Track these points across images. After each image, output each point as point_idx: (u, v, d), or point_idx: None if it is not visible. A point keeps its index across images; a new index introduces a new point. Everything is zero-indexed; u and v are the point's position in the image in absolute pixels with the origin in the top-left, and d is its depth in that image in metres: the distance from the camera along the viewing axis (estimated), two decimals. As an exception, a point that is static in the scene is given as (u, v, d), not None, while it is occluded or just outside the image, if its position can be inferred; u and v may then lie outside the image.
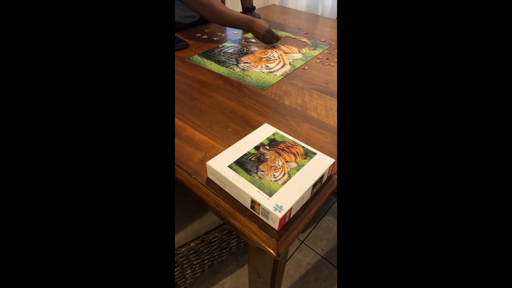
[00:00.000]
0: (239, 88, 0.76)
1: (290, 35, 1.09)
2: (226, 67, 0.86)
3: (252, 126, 0.63)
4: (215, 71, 0.84)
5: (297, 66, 0.88)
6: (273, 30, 0.98)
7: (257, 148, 0.51)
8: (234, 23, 0.97)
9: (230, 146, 0.52)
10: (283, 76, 0.83)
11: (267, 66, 0.87)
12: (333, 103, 0.72)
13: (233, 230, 0.50)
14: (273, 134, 0.54)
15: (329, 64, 0.90)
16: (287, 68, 0.87)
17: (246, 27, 0.97)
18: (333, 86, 0.79)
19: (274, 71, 0.85)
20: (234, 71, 0.84)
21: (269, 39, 0.97)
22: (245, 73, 0.83)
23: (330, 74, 0.85)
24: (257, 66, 0.87)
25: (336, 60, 0.93)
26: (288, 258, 1.03)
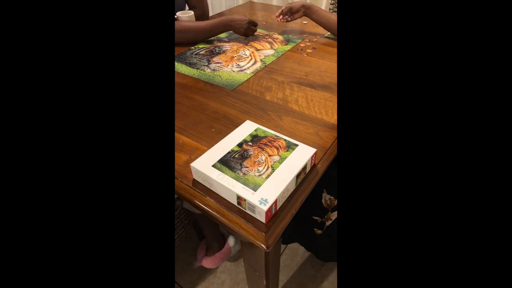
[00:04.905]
0: (220, 88, 0.77)
1: (262, 31, 1.09)
2: (197, 69, 0.86)
3: (235, 124, 0.63)
4: (186, 73, 0.84)
5: (268, 63, 0.88)
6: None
7: (240, 145, 0.52)
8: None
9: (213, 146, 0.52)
10: (253, 74, 0.82)
11: (238, 64, 0.87)
12: (313, 94, 0.73)
13: (223, 226, 0.51)
14: (255, 130, 0.55)
15: (307, 55, 0.92)
16: (258, 65, 0.87)
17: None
18: (313, 78, 0.80)
19: (244, 69, 0.85)
20: (204, 72, 0.84)
21: (252, 30, 0.98)
22: (215, 73, 0.83)
23: (309, 66, 0.86)
24: (228, 65, 0.87)
25: (310, 51, 0.94)
26: (284, 249, 1.05)
